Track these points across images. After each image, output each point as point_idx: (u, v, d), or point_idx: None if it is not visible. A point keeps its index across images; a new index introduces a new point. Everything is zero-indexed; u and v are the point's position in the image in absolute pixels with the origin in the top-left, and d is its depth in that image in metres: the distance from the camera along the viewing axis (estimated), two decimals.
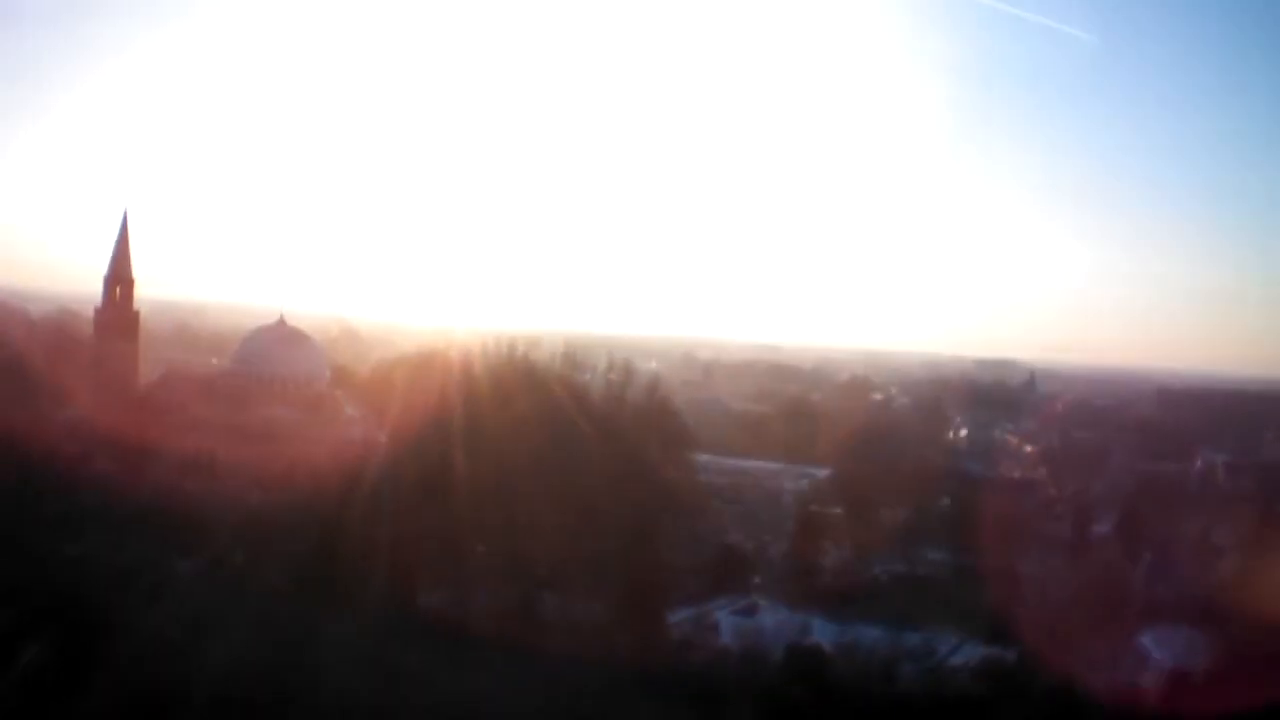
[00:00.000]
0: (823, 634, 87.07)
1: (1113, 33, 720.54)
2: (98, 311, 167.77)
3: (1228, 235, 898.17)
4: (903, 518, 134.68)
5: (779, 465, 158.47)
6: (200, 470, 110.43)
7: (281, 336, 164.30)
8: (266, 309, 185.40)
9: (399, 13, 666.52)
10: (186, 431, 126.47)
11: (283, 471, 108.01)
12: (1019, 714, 69.47)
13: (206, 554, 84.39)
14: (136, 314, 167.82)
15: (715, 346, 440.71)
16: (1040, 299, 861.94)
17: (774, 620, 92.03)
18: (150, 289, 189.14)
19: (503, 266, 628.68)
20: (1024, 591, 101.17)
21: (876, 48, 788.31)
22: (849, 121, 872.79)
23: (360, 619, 69.54)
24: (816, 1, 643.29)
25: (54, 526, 78.11)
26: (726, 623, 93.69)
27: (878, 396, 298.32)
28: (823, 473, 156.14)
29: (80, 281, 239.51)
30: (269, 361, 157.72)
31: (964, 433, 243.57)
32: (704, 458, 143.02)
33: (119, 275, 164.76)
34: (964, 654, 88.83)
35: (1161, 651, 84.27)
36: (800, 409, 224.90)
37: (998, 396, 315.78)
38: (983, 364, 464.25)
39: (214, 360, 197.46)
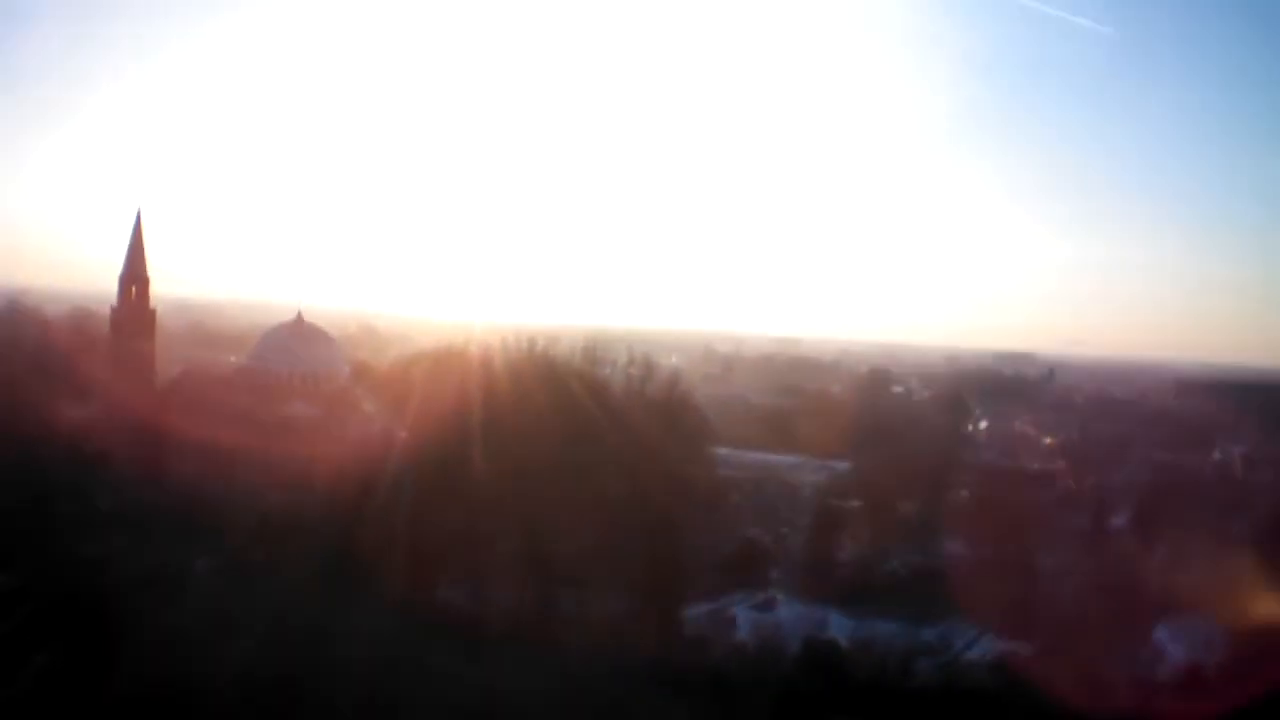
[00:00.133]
0: (840, 628, 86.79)
1: (1129, 25, 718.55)
2: (113, 310, 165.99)
3: (1246, 227, 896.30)
4: (921, 511, 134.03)
5: (798, 459, 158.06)
6: (218, 468, 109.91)
7: (299, 333, 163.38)
8: (285, 306, 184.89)
9: (415, 8, 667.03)
10: (204, 430, 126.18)
11: (301, 468, 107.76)
12: (1035, 708, 68.82)
13: (225, 552, 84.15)
14: (153, 312, 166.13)
15: (735, 340, 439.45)
16: (1059, 291, 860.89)
17: (791, 615, 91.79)
18: (167, 287, 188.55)
19: (522, 261, 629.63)
20: (1041, 585, 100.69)
21: (893, 41, 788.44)
22: (869, 115, 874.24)
23: (379, 615, 69.23)
24: None
25: (72, 526, 77.82)
26: (744, 617, 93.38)
27: (898, 389, 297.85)
28: (842, 466, 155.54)
29: (96, 280, 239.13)
30: (287, 358, 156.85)
31: (983, 425, 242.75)
32: (723, 451, 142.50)
33: (134, 274, 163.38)
34: (981, 648, 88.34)
35: (1177, 644, 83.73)
36: (820, 403, 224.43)
37: (1017, 389, 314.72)
38: (1002, 357, 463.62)
39: (232, 358, 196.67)
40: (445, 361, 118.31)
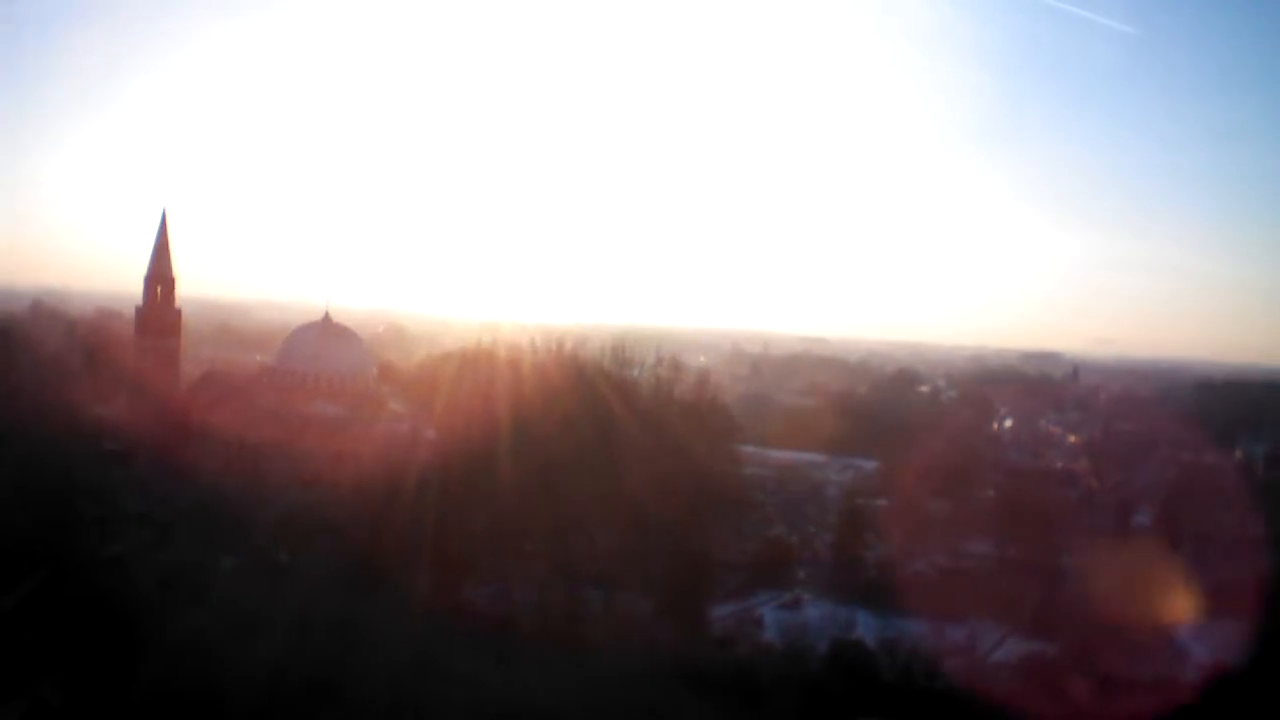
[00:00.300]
0: (866, 628, 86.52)
1: (1153, 24, 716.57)
2: (139, 310, 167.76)
3: (1271, 227, 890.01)
4: (947, 510, 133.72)
5: (824, 458, 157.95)
6: (243, 467, 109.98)
7: (326, 333, 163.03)
8: (312, 306, 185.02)
9: (444, 8, 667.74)
10: (229, 429, 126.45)
11: (326, 468, 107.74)
12: (1058, 707, 68.75)
13: (249, 551, 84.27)
14: (178, 313, 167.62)
15: (763, 339, 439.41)
16: (1083, 291, 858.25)
17: (818, 614, 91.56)
18: (193, 288, 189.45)
19: (550, 261, 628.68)
20: (1065, 584, 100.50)
21: (917, 39, 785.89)
22: (897, 116, 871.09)
23: (405, 615, 69.22)
24: None
25: (96, 525, 77.89)
26: (771, 617, 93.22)
27: (924, 389, 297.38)
28: (868, 465, 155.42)
29: (120, 281, 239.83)
30: (314, 358, 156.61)
31: (1008, 424, 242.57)
32: (750, 450, 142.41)
33: (160, 274, 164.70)
34: (1007, 648, 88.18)
35: (1200, 644, 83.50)
36: (847, 402, 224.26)
37: (1042, 389, 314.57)
38: (1027, 356, 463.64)
39: (258, 358, 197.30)
40: (472, 362, 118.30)
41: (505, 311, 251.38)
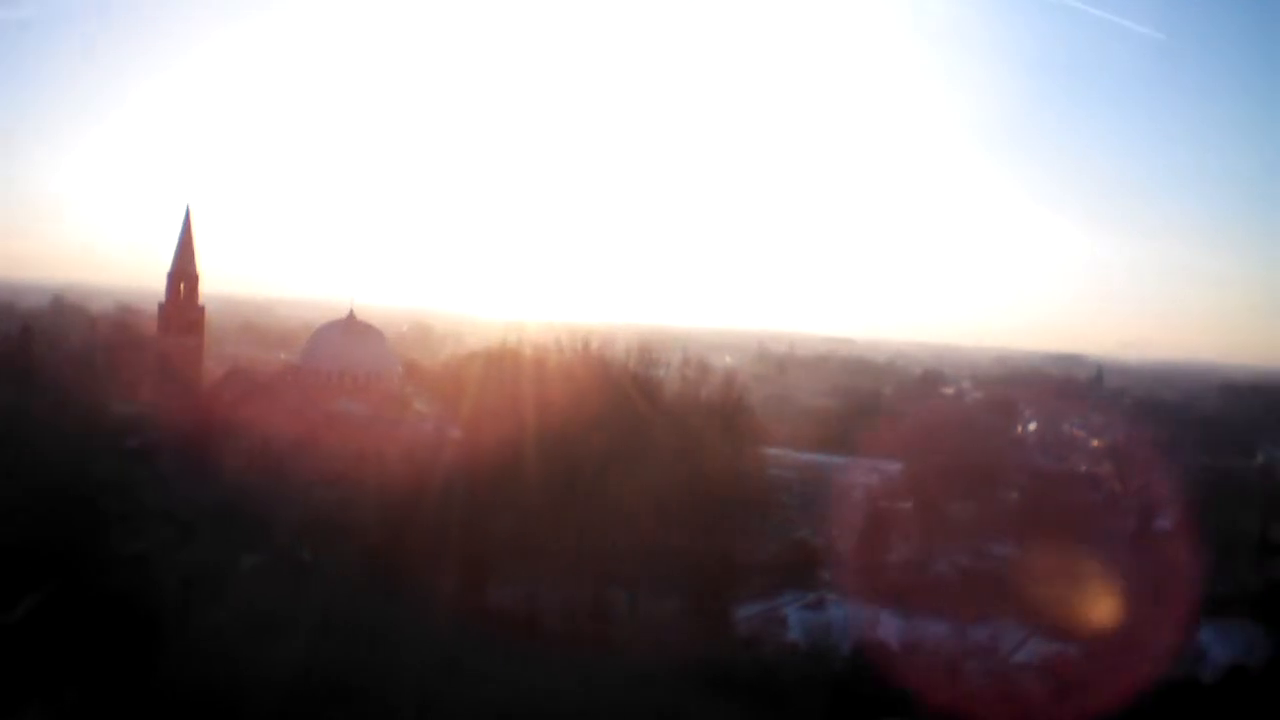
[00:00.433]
0: (890, 629, 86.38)
1: (1179, 29, 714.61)
2: (161, 307, 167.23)
3: None
4: (971, 512, 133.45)
5: (849, 460, 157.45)
6: (266, 466, 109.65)
7: (351, 331, 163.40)
8: (336, 304, 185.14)
9: (471, 6, 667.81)
10: (252, 427, 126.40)
11: (351, 467, 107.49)
12: (1082, 710, 68.57)
13: (272, 550, 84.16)
14: (201, 310, 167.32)
15: (790, 340, 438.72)
16: (1107, 294, 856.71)
17: (842, 615, 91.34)
18: (216, 285, 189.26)
19: (576, 260, 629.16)
20: (1087, 586, 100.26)
21: (946, 41, 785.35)
22: (925, 117, 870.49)
23: (430, 615, 69.21)
24: None
25: (117, 523, 77.82)
26: (795, 618, 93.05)
27: (949, 391, 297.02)
28: (893, 467, 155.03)
29: (141, 277, 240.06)
30: (338, 357, 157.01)
31: (1032, 427, 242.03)
32: (775, 452, 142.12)
33: (183, 270, 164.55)
34: (1029, 649, 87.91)
35: (1220, 646, 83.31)
36: (872, 404, 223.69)
37: (1066, 391, 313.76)
38: (1051, 359, 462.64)
39: (282, 356, 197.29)
40: (498, 361, 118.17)
41: (530, 310, 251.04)
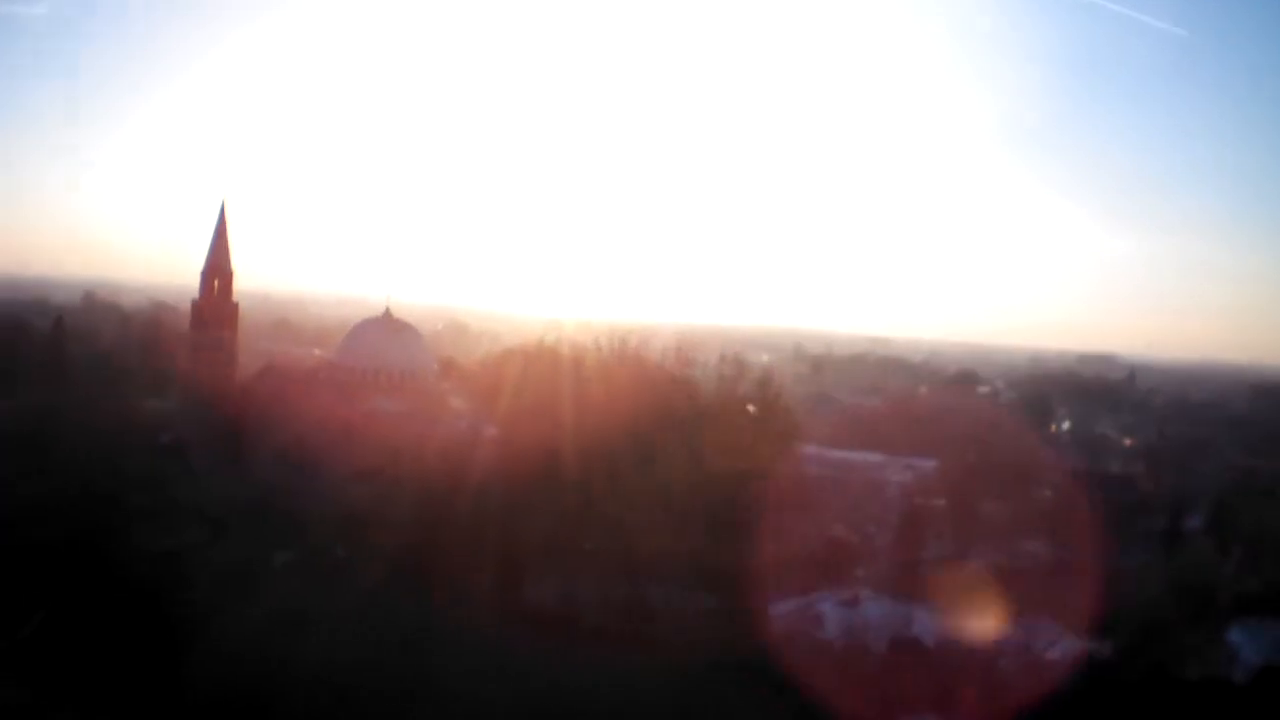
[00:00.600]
0: (924, 626, 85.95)
1: (1203, 26, 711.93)
2: (195, 303, 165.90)
3: None
4: (1005, 510, 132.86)
5: (884, 458, 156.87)
6: (299, 463, 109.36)
7: (387, 329, 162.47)
8: (372, 301, 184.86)
9: (502, 6, 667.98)
10: (286, 424, 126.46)
11: (386, 465, 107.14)
12: (1114, 708, 68.15)
13: (305, 547, 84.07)
14: (235, 306, 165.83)
15: (826, 339, 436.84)
16: (1139, 294, 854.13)
17: (877, 612, 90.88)
18: (251, 281, 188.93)
19: (614, 258, 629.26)
20: (1119, 585, 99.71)
21: (977, 41, 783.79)
22: (958, 117, 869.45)
23: (466, 612, 69.12)
24: None
25: (149, 519, 77.82)
26: (830, 614, 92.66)
27: (984, 390, 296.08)
28: (928, 465, 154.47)
29: (173, 274, 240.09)
30: (374, 354, 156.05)
31: (1066, 426, 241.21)
32: (811, 450, 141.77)
33: (217, 266, 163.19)
34: (1061, 648, 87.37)
35: (1251, 646, 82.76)
36: (907, 403, 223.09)
37: (1099, 391, 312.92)
38: (1085, 359, 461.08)
39: (316, 352, 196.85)
40: (535, 359, 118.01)
41: (567, 308, 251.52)
